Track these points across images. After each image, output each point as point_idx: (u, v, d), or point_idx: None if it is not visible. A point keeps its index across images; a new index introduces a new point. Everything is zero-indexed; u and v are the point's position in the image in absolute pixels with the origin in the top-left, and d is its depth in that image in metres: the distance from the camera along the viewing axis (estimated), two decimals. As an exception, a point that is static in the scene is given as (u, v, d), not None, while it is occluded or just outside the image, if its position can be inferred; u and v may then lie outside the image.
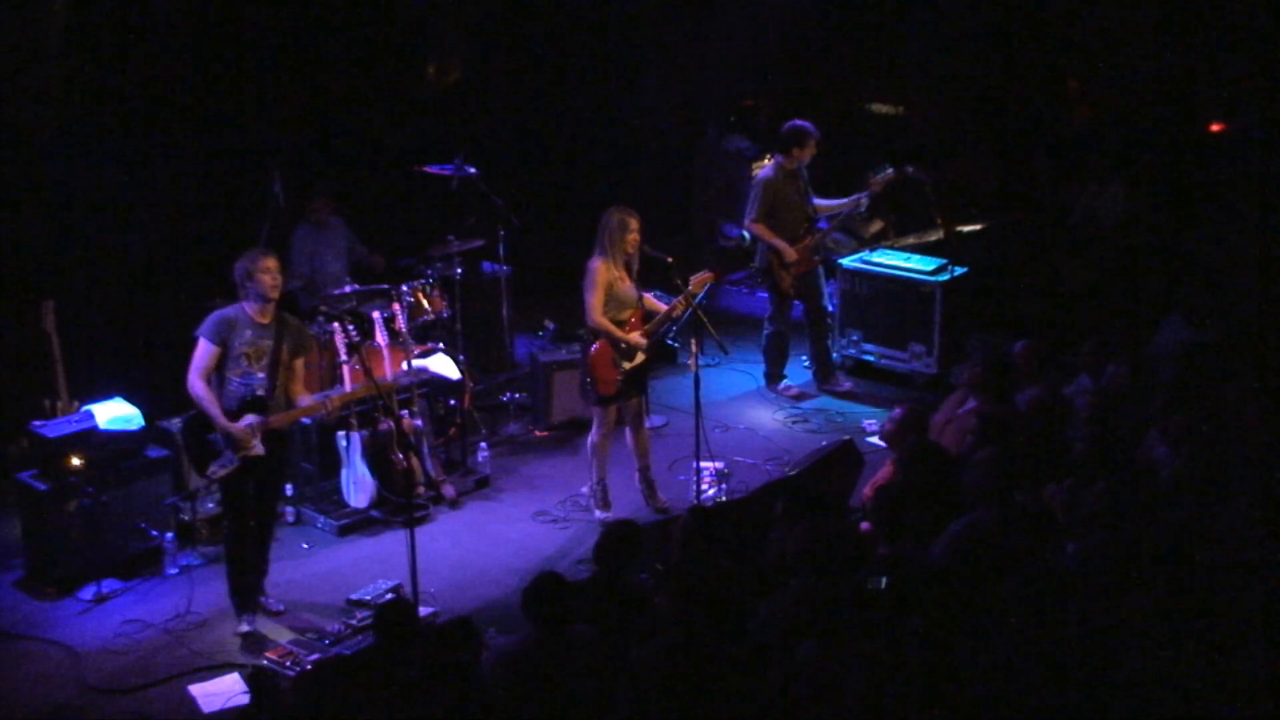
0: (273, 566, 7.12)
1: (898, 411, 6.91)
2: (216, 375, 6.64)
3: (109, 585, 7.24)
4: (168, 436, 7.80)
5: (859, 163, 9.58)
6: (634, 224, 7.66)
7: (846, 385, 9.89)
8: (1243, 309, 9.06)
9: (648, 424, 8.38)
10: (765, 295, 10.02)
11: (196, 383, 6.60)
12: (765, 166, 9.68)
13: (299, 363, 6.85)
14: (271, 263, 6.66)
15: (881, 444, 7.59)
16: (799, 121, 9.41)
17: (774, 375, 9.89)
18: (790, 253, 9.36)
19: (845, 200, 9.58)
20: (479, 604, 7.09)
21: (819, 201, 9.55)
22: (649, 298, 7.92)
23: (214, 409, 6.59)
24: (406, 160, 10.00)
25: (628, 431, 8.04)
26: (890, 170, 9.36)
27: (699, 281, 7.69)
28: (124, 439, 7.51)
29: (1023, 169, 11.51)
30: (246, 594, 6.89)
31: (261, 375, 6.65)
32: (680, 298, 7.69)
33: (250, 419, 6.62)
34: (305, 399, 6.87)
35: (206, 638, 6.86)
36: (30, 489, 7.30)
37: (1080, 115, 11.53)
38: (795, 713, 4.57)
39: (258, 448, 6.65)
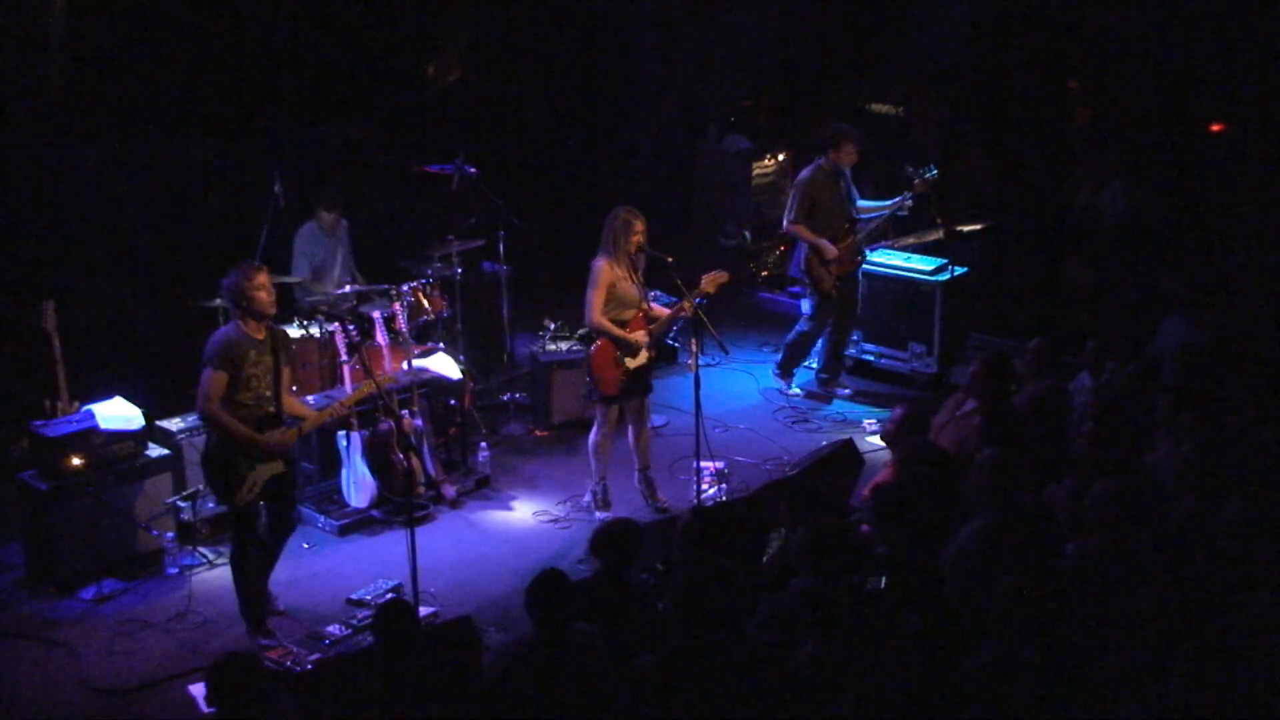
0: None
1: (898, 411, 6.89)
2: (227, 401, 6.47)
3: (109, 585, 7.24)
4: (168, 436, 7.80)
5: (859, 163, 9.55)
6: (638, 224, 7.67)
7: (847, 391, 9.88)
8: (1243, 309, 9.06)
9: (647, 424, 8.36)
10: (767, 295, 10.01)
11: (216, 411, 6.42)
12: (806, 168, 9.62)
13: (288, 370, 6.81)
14: (263, 278, 6.51)
15: (881, 444, 7.58)
16: (840, 124, 9.44)
17: (787, 370, 9.87)
18: (830, 249, 9.33)
19: (889, 202, 9.55)
20: (479, 604, 7.08)
21: (863, 203, 9.55)
22: (654, 306, 7.91)
23: (242, 428, 6.44)
24: (406, 160, 10.01)
25: (630, 432, 8.05)
26: (935, 171, 9.33)
27: (712, 280, 7.70)
28: (124, 439, 7.50)
29: (1023, 168, 11.49)
30: (259, 611, 6.81)
31: (268, 393, 6.59)
32: (685, 299, 7.70)
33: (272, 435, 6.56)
34: (298, 405, 6.86)
35: (207, 638, 6.85)
36: (30, 489, 7.30)
37: (1080, 115, 11.52)
38: (795, 713, 4.57)
39: (279, 465, 6.63)
